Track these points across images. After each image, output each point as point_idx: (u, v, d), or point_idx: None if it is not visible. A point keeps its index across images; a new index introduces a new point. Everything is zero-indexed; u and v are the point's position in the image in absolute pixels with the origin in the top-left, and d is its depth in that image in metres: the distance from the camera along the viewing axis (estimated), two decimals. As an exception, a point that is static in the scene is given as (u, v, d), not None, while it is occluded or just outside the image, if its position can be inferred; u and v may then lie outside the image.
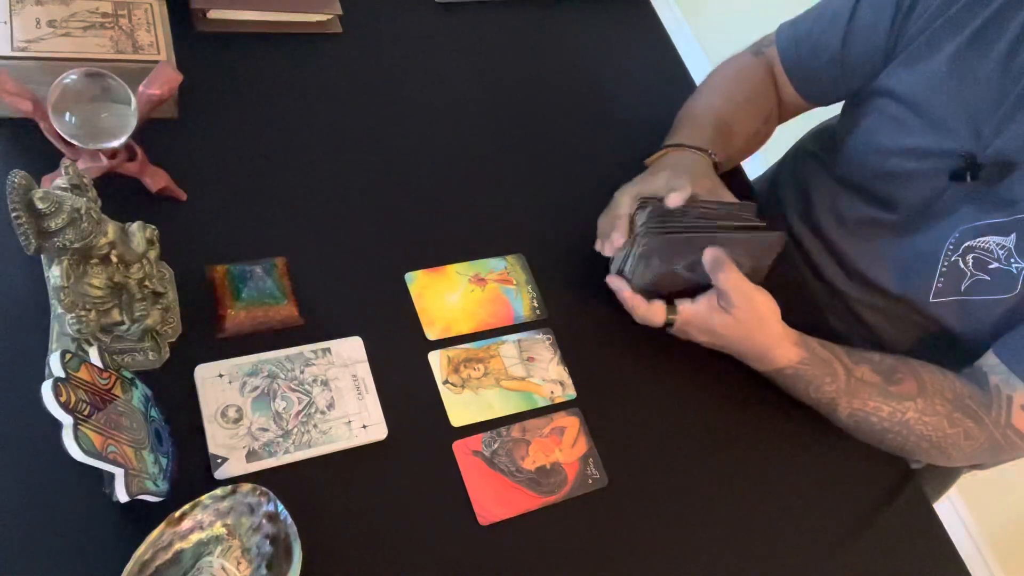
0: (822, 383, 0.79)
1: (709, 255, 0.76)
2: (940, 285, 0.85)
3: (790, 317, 0.80)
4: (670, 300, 0.79)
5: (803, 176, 1.03)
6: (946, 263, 0.83)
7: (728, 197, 0.82)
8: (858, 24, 0.89)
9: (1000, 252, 0.79)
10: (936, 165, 0.83)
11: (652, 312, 0.79)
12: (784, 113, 1.01)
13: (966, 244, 0.82)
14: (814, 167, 1.01)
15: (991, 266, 0.80)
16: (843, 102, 0.98)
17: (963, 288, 0.83)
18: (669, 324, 0.80)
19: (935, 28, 0.83)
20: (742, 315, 0.76)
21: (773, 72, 0.99)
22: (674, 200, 0.75)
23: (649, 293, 0.79)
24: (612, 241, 0.78)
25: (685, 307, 0.78)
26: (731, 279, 0.75)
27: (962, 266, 0.82)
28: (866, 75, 0.90)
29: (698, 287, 0.79)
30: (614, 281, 0.81)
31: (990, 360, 0.81)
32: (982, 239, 0.81)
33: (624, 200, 0.80)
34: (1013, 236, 0.79)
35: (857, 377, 0.79)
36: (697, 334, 0.80)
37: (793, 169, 1.07)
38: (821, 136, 1.05)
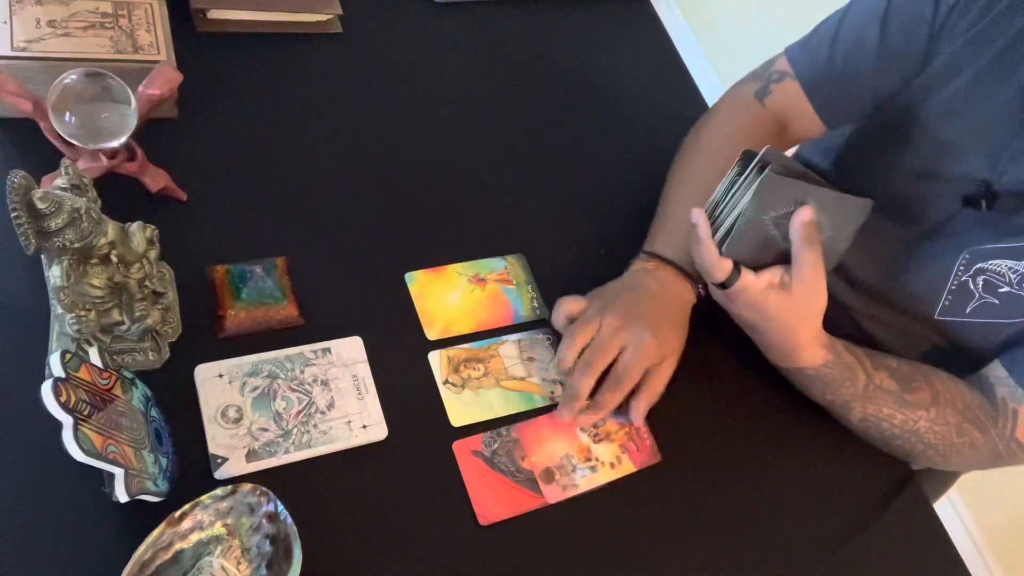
0: (840, 386, 0.78)
1: (802, 218, 0.69)
2: (947, 303, 0.82)
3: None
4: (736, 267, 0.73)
5: None
6: (955, 282, 0.81)
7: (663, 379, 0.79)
8: (890, 50, 0.83)
9: (1013, 276, 0.77)
10: (947, 189, 0.81)
11: (717, 265, 0.71)
12: (791, 144, 0.96)
13: (978, 265, 0.79)
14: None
15: (1001, 290, 0.78)
16: None
17: (968, 311, 0.81)
18: (725, 285, 0.73)
19: (955, 50, 0.79)
20: (800, 297, 0.71)
21: (782, 120, 0.92)
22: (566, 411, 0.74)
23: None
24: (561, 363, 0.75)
25: (747, 275, 0.72)
26: (814, 256, 0.69)
27: (971, 287, 0.80)
28: (891, 97, 0.85)
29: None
30: (698, 215, 0.72)
31: (998, 371, 0.79)
32: (994, 261, 0.78)
33: (562, 308, 0.78)
34: None
35: (876, 384, 0.78)
36: (742, 308, 0.75)
37: None
38: (828, 153, 1.02)
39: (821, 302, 0.73)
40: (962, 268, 0.80)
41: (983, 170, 0.78)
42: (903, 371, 0.80)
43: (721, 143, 0.90)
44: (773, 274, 0.72)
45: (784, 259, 0.72)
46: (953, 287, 0.81)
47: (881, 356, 0.81)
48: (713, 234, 0.72)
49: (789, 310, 0.73)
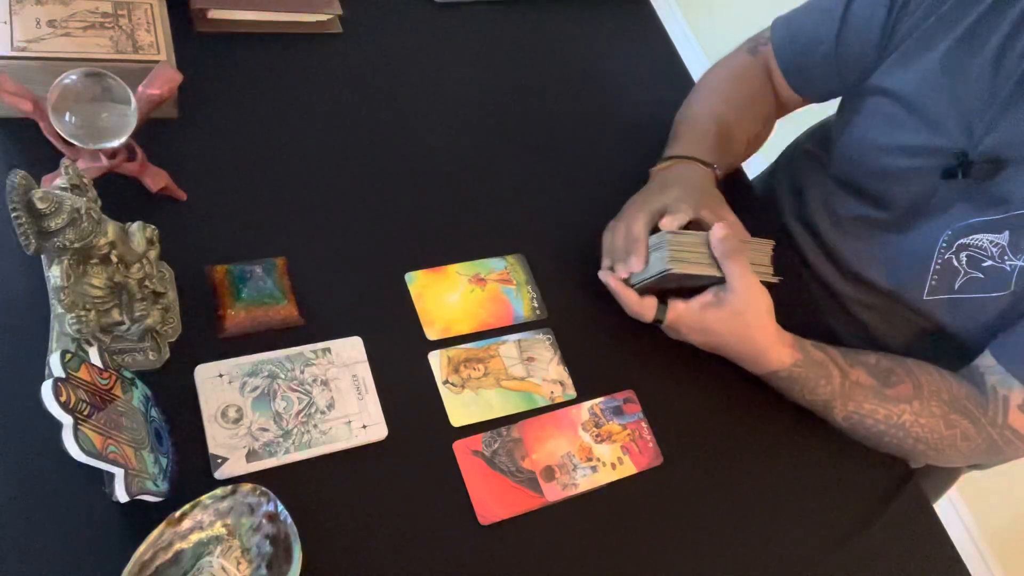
0: (816, 386, 0.79)
1: (717, 235, 0.74)
2: (934, 282, 0.84)
3: (785, 317, 0.80)
4: (663, 298, 0.79)
5: (798, 175, 1.03)
6: (939, 261, 0.83)
7: (728, 215, 0.82)
8: (852, 20, 0.88)
9: (994, 250, 0.79)
10: (928, 162, 0.83)
11: (643, 307, 0.79)
12: (780, 109, 1.01)
13: (960, 242, 0.82)
14: (809, 166, 1.01)
15: (985, 264, 0.80)
16: (839, 100, 0.98)
17: (957, 286, 0.83)
18: (659, 320, 0.80)
19: (928, 25, 0.83)
20: (739, 305, 0.75)
21: (770, 71, 0.99)
22: (667, 223, 0.76)
23: (644, 292, 0.79)
24: (629, 265, 0.77)
25: (677, 304, 0.78)
26: (739, 267, 0.74)
27: (956, 264, 0.82)
28: (860, 71, 0.90)
29: (695, 292, 0.79)
30: (606, 276, 0.80)
31: (987, 360, 0.81)
32: (975, 236, 0.81)
33: (639, 218, 0.79)
34: (1007, 233, 0.79)
35: (853, 380, 0.79)
36: (688, 332, 0.79)
37: (789, 168, 1.07)
38: (817, 134, 1.05)
39: (762, 305, 0.76)
40: (944, 246, 0.83)
41: (960, 140, 0.81)
42: (882, 366, 0.81)
43: (721, 80, 1.00)
44: (704, 296, 0.77)
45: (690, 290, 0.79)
46: (938, 266, 0.84)
47: (858, 353, 0.82)
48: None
49: (730, 320, 0.76)
